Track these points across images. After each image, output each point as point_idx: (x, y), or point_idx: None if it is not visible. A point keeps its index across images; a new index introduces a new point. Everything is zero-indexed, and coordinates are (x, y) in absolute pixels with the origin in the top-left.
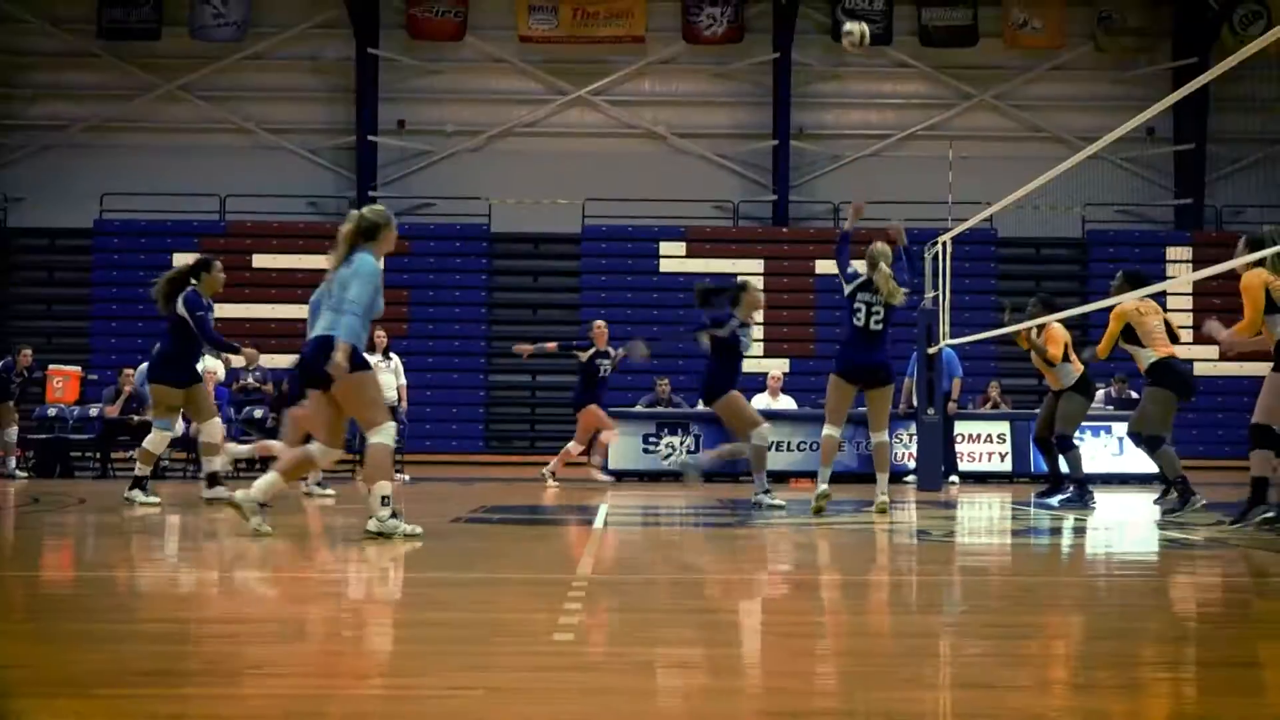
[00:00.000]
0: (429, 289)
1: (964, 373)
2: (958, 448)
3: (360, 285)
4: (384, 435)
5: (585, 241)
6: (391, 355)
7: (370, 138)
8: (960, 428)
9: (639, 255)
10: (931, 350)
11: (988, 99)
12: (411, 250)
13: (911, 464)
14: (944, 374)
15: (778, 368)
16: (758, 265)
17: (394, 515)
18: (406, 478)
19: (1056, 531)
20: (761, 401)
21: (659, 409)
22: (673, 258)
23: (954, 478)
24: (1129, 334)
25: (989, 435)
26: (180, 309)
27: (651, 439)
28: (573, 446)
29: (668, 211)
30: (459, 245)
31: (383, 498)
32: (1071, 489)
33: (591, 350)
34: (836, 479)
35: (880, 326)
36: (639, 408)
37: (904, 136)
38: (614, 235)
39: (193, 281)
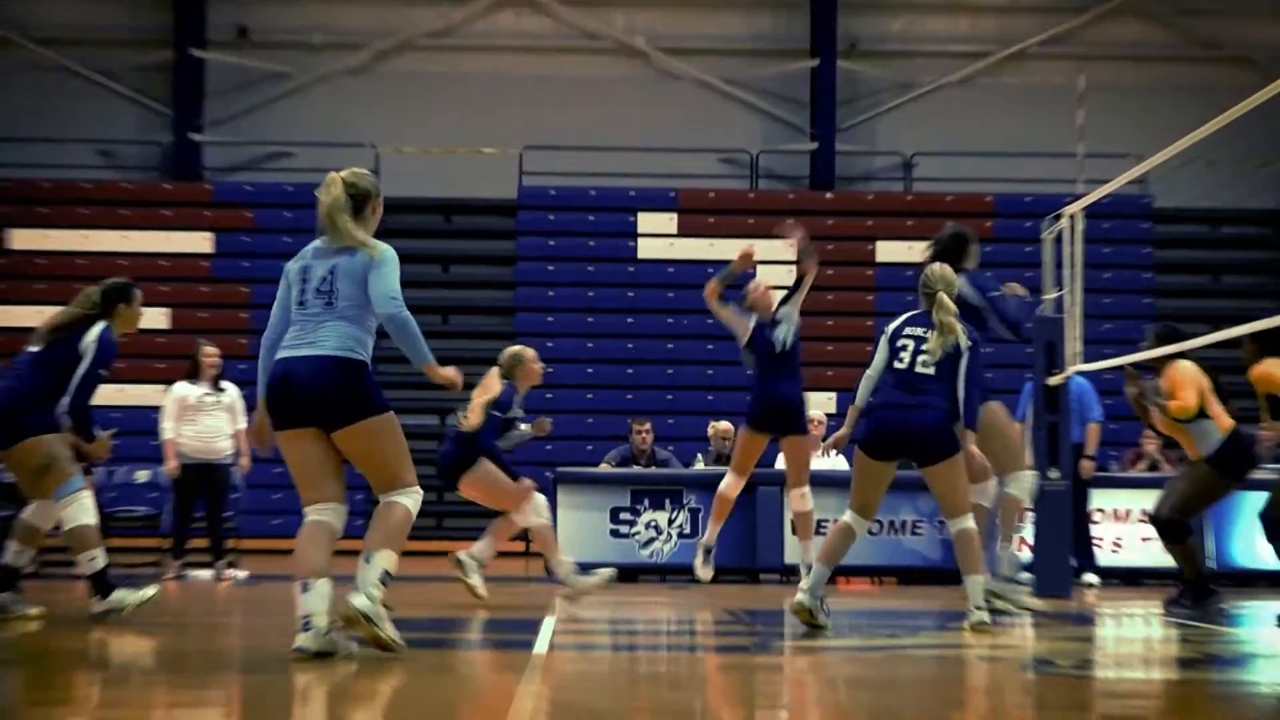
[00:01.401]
0: None
1: (1105, 415)
2: (1095, 529)
3: (392, 272)
4: (415, 500)
5: (523, 211)
6: (225, 385)
7: (194, 52)
8: (1099, 499)
9: (605, 233)
10: (1053, 380)
11: None
12: (256, 224)
13: (1025, 555)
14: (1074, 417)
15: (820, 407)
16: (789, 246)
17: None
18: (240, 574)
19: (1242, 663)
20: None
21: (634, 469)
22: (657, 236)
23: (1090, 576)
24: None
25: (1143, 511)
26: (88, 345)
27: (624, 515)
28: (517, 518)
29: (649, 166)
30: None
31: (384, 572)
32: (1183, 591)
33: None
34: (911, 576)
35: (932, 370)
36: (605, 466)
37: (1009, 55)
38: (567, 202)
39: (106, 317)
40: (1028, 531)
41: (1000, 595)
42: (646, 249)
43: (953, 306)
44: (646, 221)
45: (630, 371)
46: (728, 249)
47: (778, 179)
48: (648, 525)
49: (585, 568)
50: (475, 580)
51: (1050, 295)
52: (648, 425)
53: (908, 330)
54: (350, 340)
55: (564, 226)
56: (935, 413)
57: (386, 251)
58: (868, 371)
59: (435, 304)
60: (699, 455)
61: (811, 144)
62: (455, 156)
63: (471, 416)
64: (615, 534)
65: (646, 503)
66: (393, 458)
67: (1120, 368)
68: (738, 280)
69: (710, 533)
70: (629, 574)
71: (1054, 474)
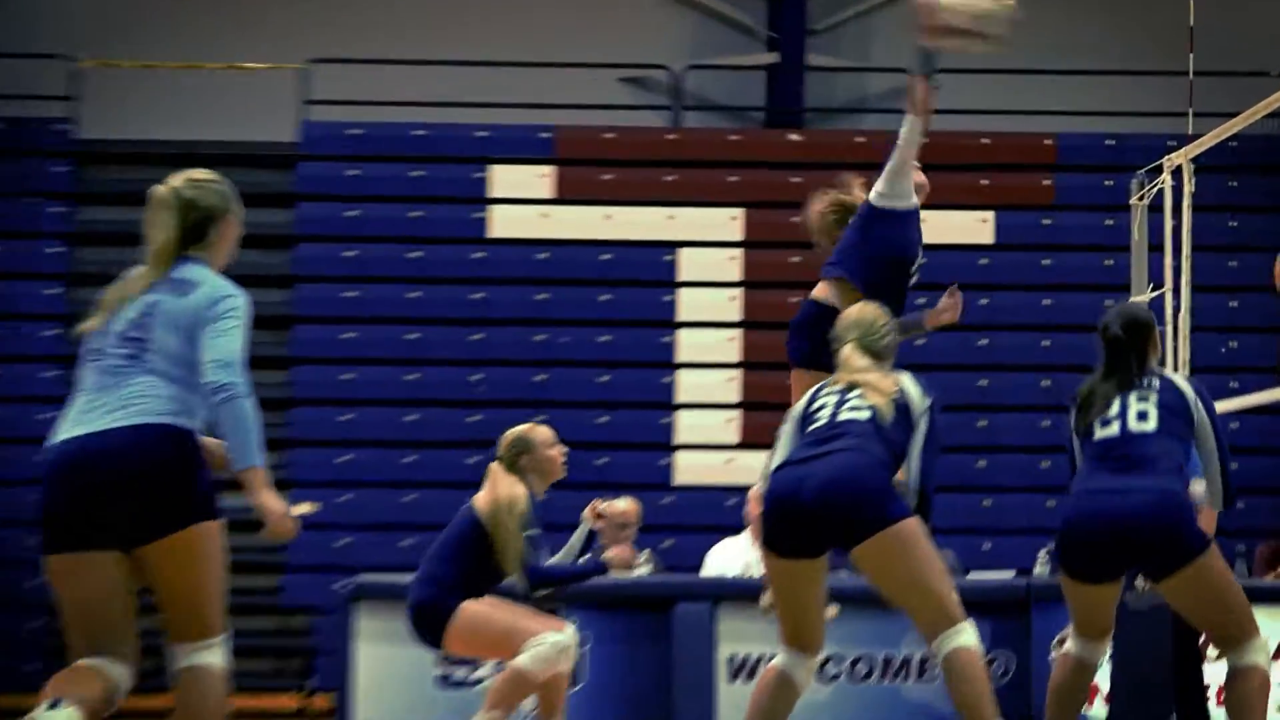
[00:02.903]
0: None
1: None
2: (1210, 670)
3: (234, 327)
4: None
5: (306, 163)
6: None
7: None
8: None
9: (438, 196)
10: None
11: None
12: None
13: (1099, 709)
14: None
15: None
16: (732, 218)
17: None
18: None
19: None
20: (734, 551)
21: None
22: (522, 202)
23: None
24: None
25: None
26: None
27: (463, 660)
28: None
29: (509, 92)
30: None
31: None
32: None
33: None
34: None
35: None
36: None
37: None
38: (375, 149)
39: None
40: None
41: None
42: (505, 222)
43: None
44: (505, 179)
45: (473, 419)
46: (638, 224)
47: (716, 111)
48: (498, 666)
49: None
50: None
51: (1141, 296)
52: (630, 507)
53: None
54: (172, 404)
55: (370, 186)
56: None
57: (232, 295)
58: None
59: None
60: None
61: (769, 55)
62: (197, 75)
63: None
64: (445, 682)
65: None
66: (213, 592)
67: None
68: None
69: None
70: None
71: (1141, 582)
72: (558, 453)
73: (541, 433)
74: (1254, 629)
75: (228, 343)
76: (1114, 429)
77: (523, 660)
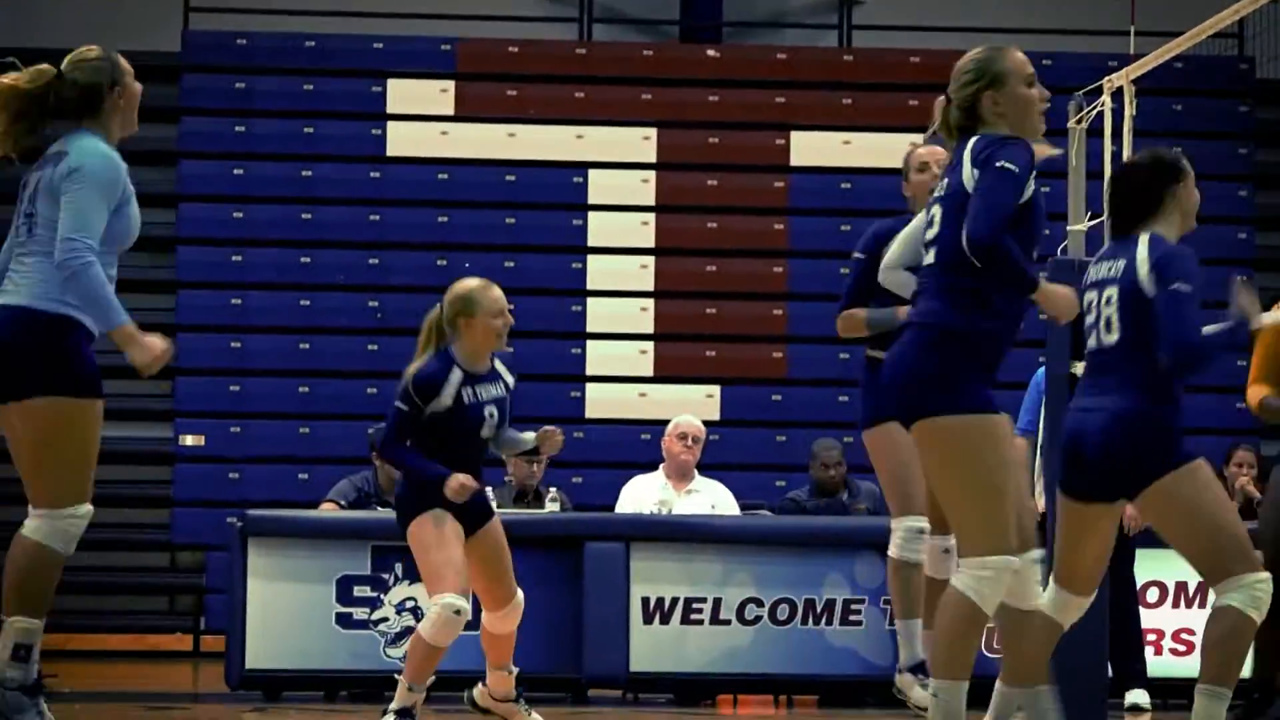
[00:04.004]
0: None
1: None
2: (1149, 617)
3: (85, 194)
4: (55, 532)
5: (191, 74)
6: None
7: None
8: (1151, 565)
9: (331, 112)
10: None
11: None
12: None
13: None
14: None
15: (698, 404)
16: (644, 138)
17: None
18: None
19: None
20: (648, 488)
21: (378, 512)
22: (421, 118)
23: (1137, 694)
24: None
25: None
26: None
27: (361, 589)
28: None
29: (403, 1)
30: None
31: (24, 647)
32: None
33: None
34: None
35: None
36: (328, 507)
37: None
38: (262, 60)
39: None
40: None
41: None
42: (402, 140)
43: None
44: (403, 93)
45: (373, 348)
46: (545, 143)
47: (626, 24)
48: (401, 607)
49: (296, 679)
50: None
51: (1077, 226)
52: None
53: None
54: (49, 286)
55: (258, 100)
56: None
57: (90, 156)
58: None
59: None
60: (489, 488)
61: None
62: None
63: None
64: (345, 622)
65: (399, 569)
66: (60, 462)
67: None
68: None
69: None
70: (367, 687)
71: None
72: (501, 323)
73: (490, 296)
74: (1240, 565)
75: (71, 214)
76: (1092, 340)
77: (422, 628)
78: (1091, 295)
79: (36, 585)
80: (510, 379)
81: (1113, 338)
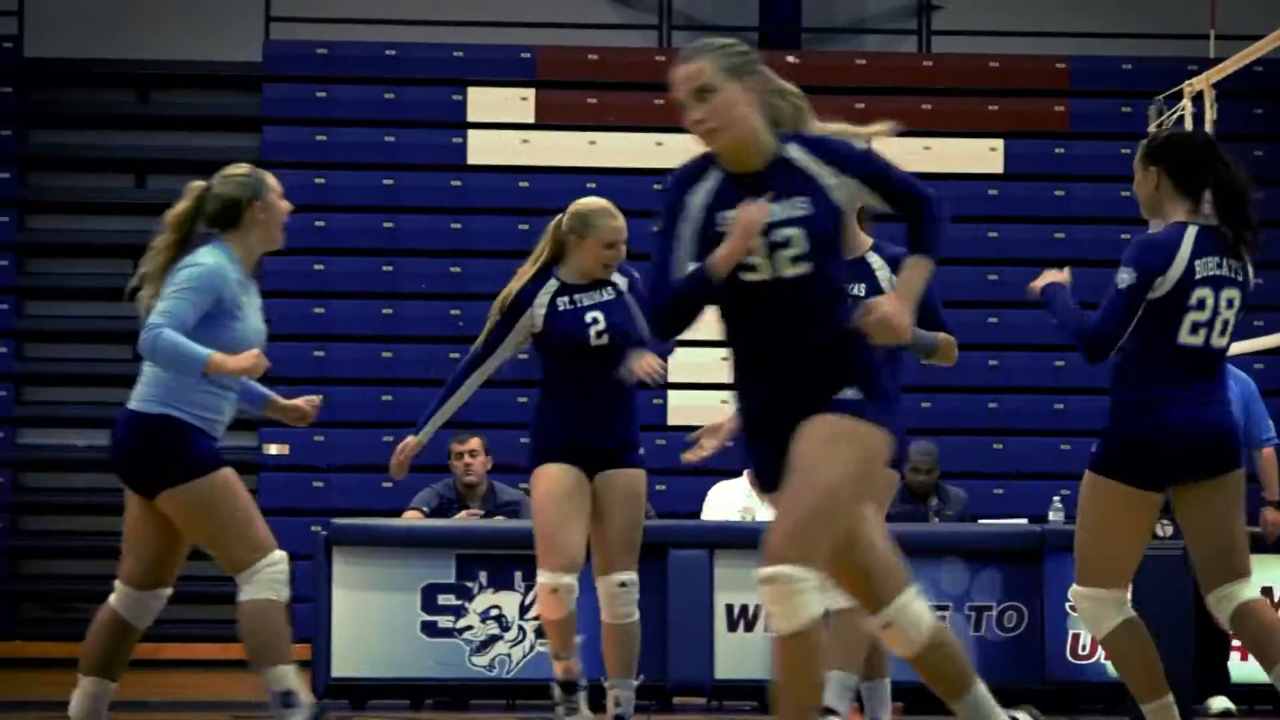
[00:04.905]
0: None
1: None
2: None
3: (175, 293)
4: (262, 586)
5: (272, 84)
6: None
7: None
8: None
9: (412, 121)
10: None
11: None
12: None
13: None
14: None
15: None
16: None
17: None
18: None
19: None
20: (732, 496)
21: (462, 519)
22: (501, 127)
23: (1220, 701)
24: None
25: None
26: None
27: (446, 598)
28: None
29: (487, 9)
30: None
31: (283, 694)
32: None
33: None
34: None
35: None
36: (412, 515)
37: None
38: (343, 69)
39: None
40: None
41: None
42: (483, 148)
43: None
44: (483, 101)
45: (454, 356)
46: (624, 150)
47: (705, 30)
48: (485, 615)
49: (382, 688)
50: None
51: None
52: (475, 444)
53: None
54: (153, 388)
55: (339, 109)
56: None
57: (190, 264)
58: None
59: (124, 243)
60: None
61: None
62: None
63: None
64: (430, 630)
65: (484, 577)
66: (219, 537)
67: None
68: None
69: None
70: (452, 695)
71: (1164, 528)
72: (610, 255)
73: (608, 226)
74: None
75: (160, 304)
76: (1196, 338)
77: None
78: (1205, 292)
79: (269, 638)
80: (624, 285)
81: (1224, 342)
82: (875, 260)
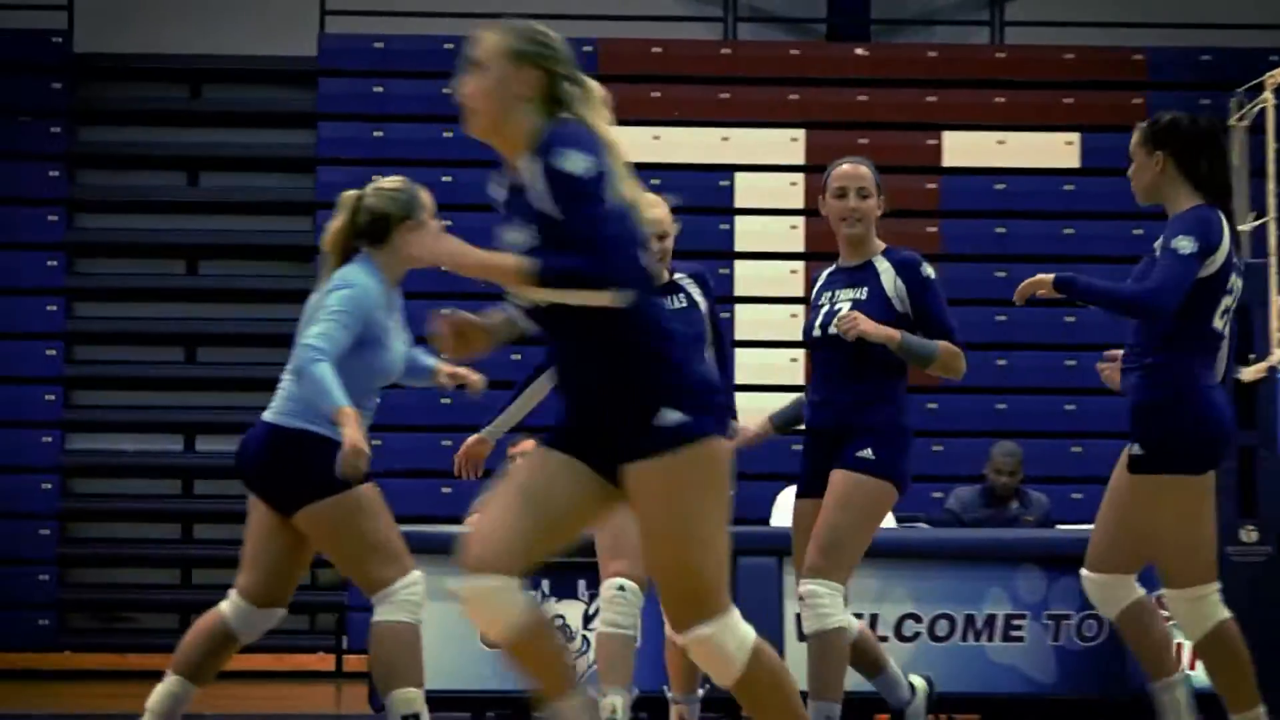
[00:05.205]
0: None
1: None
2: None
3: (329, 316)
4: (398, 608)
5: (329, 79)
6: None
7: None
8: None
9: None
10: (1249, 374)
11: None
12: None
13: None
14: None
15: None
16: (792, 139)
17: None
18: None
19: None
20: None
21: None
22: None
23: None
24: None
25: None
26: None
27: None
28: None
29: (542, 1)
30: None
31: (410, 717)
32: None
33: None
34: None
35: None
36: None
37: None
38: (403, 64)
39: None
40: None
41: None
42: None
43: None
44: None
45: (516, 357)
46: (690, 145)
47: (772, 23)
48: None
49: (442, 700)
50: None
51: (1242, 226)
52: (531, 446)
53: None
54: (294, 403)
55: (397, 105)
56: None
57: (340, 284)
58: None
59: (175, 242)
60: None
61: None
62: None
63: None
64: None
65: (545, 586)
66: (355, 557)
67: None
68: None
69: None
70: (514, 707)
71: (1249, 534)
72: (655, 247)
73: (652, 217)
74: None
75: (315, 325)
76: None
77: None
78: (1235, 279)
79: (403, 660)
80: (698, 294)
81: (1227, 332)
82: (882, 264)
